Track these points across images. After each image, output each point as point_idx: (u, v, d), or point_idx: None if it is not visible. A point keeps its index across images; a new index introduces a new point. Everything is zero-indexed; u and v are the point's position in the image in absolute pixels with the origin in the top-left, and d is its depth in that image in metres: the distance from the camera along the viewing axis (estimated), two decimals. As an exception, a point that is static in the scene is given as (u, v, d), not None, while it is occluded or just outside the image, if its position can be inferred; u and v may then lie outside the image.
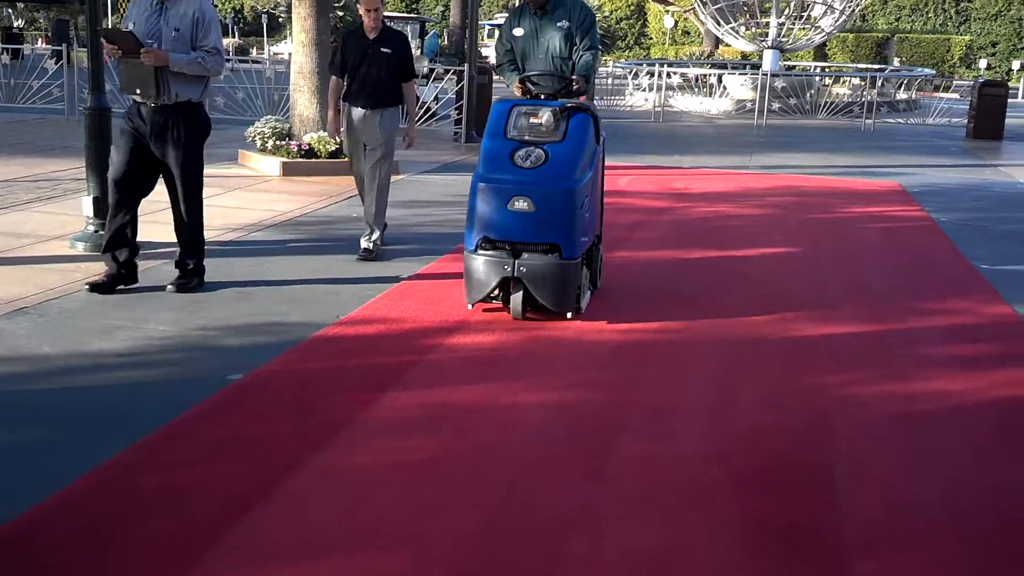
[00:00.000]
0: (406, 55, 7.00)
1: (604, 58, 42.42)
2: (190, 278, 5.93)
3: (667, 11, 40.64)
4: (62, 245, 6.83)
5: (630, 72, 23.72)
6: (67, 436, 3.86)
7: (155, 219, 6.78)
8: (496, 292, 5.47)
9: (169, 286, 5.85)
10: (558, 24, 5.93)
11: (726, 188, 11.23)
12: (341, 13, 24.37)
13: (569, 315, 5.46)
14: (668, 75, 21.06)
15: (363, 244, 6.90)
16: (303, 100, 10.76)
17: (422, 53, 27.57)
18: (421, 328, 5.38)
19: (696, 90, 22.93)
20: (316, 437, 3.93)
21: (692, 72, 23.91)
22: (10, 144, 12.17)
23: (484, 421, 4.17)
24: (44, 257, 6.56)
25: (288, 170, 10.07)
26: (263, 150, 10.71)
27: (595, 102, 6.24)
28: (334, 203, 8.97)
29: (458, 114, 14.67)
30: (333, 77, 7.08)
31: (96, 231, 6.69)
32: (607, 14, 46.86)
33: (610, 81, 24.16)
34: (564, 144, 5.42)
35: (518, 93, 5.85)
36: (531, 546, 3.18)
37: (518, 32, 6.02)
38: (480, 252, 5.37)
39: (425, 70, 16.36)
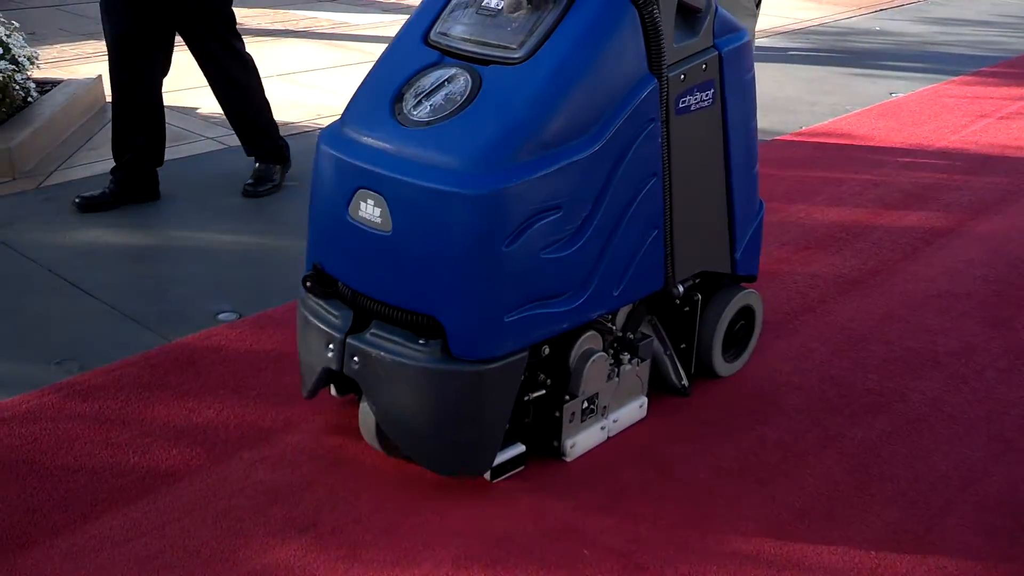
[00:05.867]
0: None
1: None
2: (262, 180, 4.02)
3: None
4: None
5: None
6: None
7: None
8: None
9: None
10: None
11: None
12: None
13: (489, 475, 2.33)
14: None
15: None
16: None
17: None
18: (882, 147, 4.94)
19: None
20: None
21: None
22: None
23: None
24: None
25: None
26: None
27: None
28: (862, 14, 8.40)
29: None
30: None
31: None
32: None
33: None
34: (524, 68, 2.16)
35: None
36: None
37: None
38: (308, 298, 2.38)
39: None
